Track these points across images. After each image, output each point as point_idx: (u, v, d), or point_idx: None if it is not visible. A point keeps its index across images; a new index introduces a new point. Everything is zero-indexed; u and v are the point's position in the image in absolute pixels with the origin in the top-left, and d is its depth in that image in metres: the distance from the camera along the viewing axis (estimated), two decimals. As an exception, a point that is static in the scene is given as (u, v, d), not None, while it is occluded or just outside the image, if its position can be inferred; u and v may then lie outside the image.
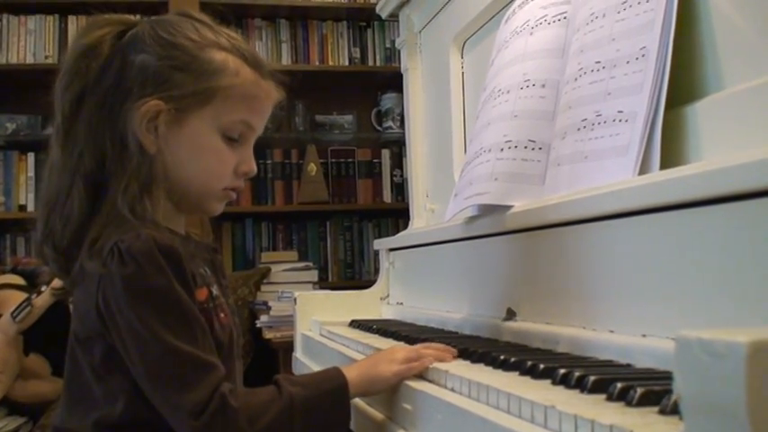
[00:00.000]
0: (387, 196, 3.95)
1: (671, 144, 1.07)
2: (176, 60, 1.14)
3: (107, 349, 1.07)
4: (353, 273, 3.90)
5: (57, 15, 3.62)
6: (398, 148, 3.91)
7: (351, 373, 1.11)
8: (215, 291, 1.17)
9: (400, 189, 3.89)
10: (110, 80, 1.15)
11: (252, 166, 1.21)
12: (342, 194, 3.91)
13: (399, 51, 2.37)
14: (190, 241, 1.21)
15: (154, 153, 1.13)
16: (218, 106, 1.15)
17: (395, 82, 2.50)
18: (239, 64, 1.17)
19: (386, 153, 3.97)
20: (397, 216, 3.83)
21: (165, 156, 1.14)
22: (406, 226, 2.30)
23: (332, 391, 1.09)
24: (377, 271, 2.25)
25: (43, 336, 2.55)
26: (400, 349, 1.16)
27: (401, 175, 3.90)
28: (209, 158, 1.17)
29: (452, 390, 0.98)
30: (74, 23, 3.62)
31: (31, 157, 3.61)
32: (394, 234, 2.50)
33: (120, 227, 1.08)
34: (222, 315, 1.15)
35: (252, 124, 1.19)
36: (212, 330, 1.10)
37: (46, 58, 3.57)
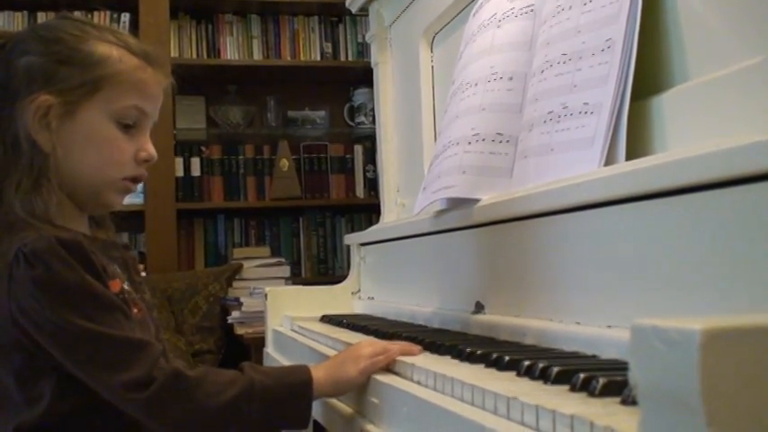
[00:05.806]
0: (360, 191, 3.94)
1: (637, 135, 1.07)
2: (59, 54, 1.15)
3: (27, 355, 1.07)
4: (327, 268, 3.89)
5: (25, 12, 3.57)
6: (371, 143, 3.90)
7: (318, 373, 1.11)
8: (126, 286, 1.17)
9: (373, 184, 3.87)
10: None
11: (151, 151, 1.21)
12: (314, 190, 3.90)
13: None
14: (95, 241, 1.19)
15: (49, 150, 1.13)
16: (107, 94, 1.15)
17: (367, 77, 2.48)
18: (122, 53, 1.18)
19: (359, 149, 3.97)
20: (370, 211, 3.80)
21: (62, 151, 1.14)
22: (378, 221, 2.29)
23: (294, 385, 1.09)
24: (350, 266, 2.25)
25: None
26: (367, 345, 1.15)
27: (374, 171, 3.88)
28: (106, 147, 1.17)
29: (419, 383, 0.98)
30: (43, 20, 3.57)
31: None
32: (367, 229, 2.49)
33: (18, 232, 1.07)
34: (135, 310, 1.15)
35: (144, 109, 1.19)
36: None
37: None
